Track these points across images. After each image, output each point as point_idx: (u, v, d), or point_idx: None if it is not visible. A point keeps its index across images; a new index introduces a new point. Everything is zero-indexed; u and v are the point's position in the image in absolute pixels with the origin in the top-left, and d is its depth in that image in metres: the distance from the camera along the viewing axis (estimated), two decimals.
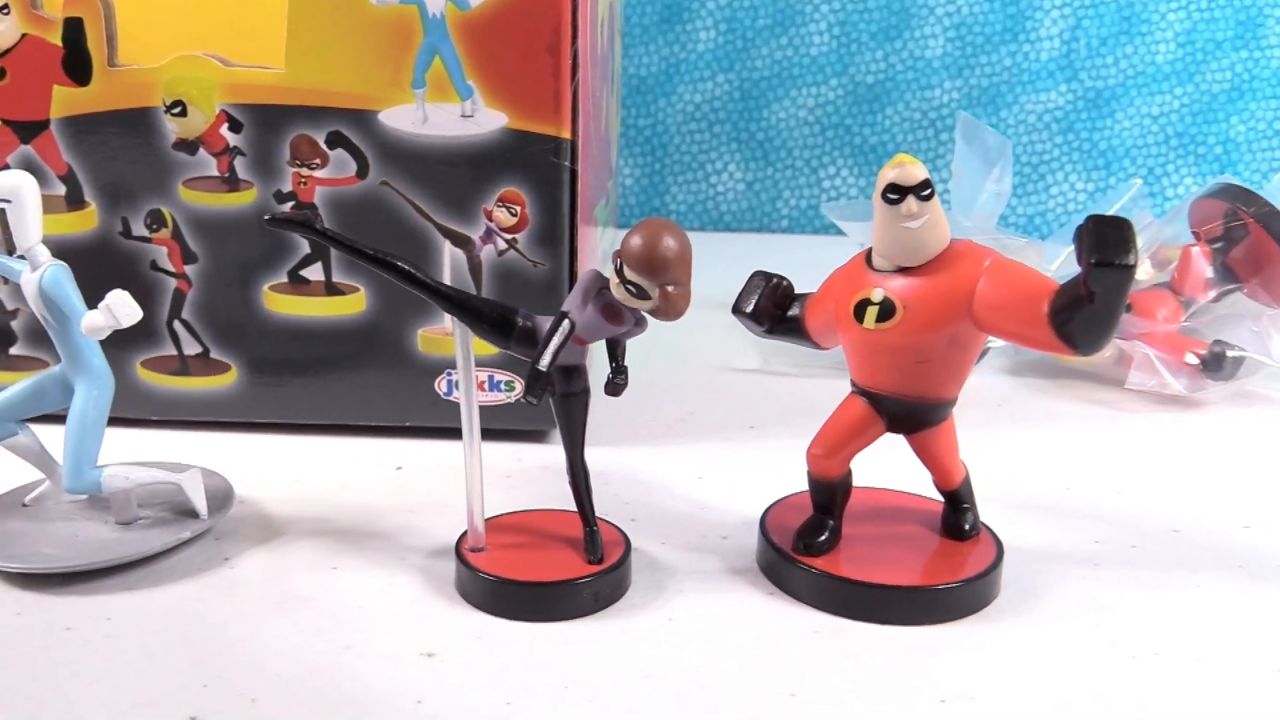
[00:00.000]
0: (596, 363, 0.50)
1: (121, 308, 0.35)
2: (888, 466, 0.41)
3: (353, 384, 0.49)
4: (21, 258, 0.38)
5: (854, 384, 0.38)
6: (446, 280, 0.48)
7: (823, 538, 0.38)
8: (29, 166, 0.48)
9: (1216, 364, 0.56)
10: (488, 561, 0.36)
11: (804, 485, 0.40)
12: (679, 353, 0.64)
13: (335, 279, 0.48)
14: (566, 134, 0.46)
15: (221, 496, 0.41)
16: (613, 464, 0.48)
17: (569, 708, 0.31)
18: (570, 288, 0.48)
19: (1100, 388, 0.60)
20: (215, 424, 0.51)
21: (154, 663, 0.33)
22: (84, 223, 0.48)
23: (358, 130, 0.46)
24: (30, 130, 0.47)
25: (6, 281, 0.49)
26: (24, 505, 0.41)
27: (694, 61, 0.99)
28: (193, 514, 0.40)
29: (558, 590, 0.35)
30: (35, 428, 0.41)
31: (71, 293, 0.37)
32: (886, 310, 0.35)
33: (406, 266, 0.35)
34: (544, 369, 0.32)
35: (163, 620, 0.35)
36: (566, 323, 0.33)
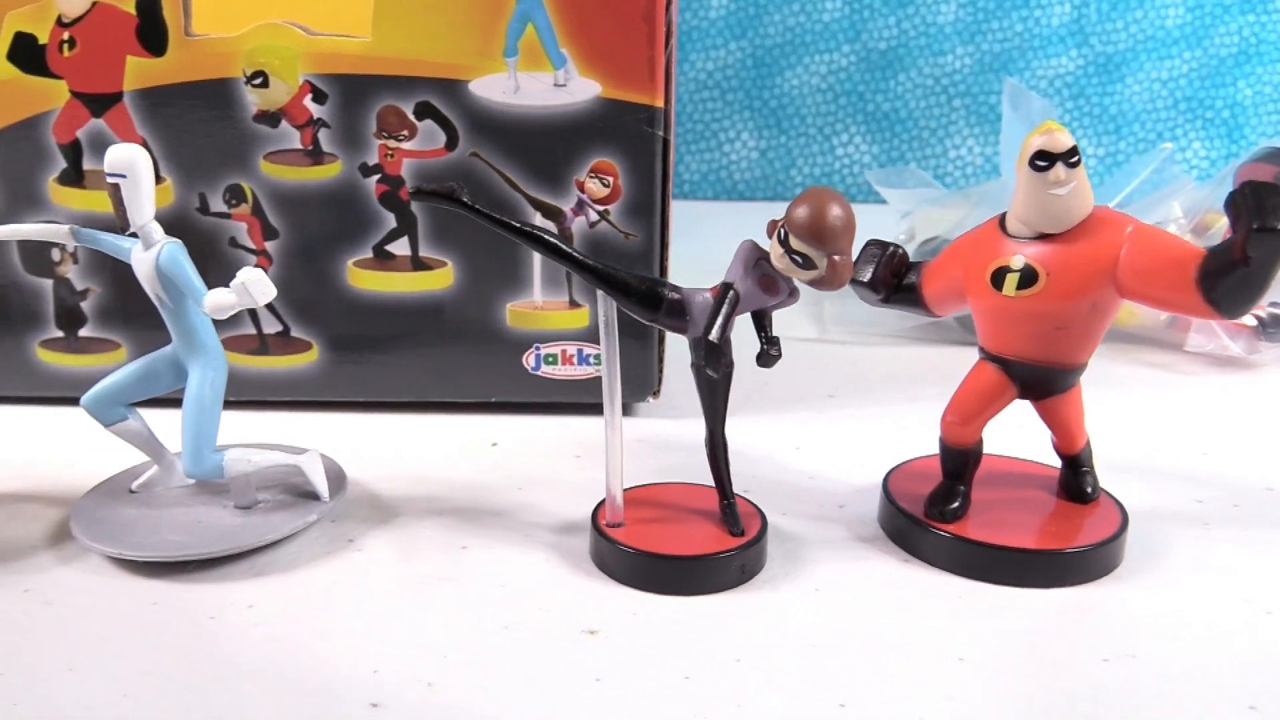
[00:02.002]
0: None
1: (257, 285, 0.34)
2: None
3: (438, 360, 0.49)
4: (133, 235, 0.36)
5: (984, 351, 0.38)
6: (535, 255, 0.47)
7: (956, 504, 0.38)
8: (101, 141, 0.46)
9: (1276, 325, 0.57)
10: (630, 536, 0.36)
11: (909, 451, 0.40)
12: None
13: (422, 254, 0.47)
14: (660, 102, 0.45)
15: (335, 478, 0.40)
16: (687, 433, 0.48)
17: (745, 680, 0.31)
18: (661, 259, 0.47)
19: (1155, 351, 0.61)
20: (293, 403, 0.50)
21: (313, 649, 0.32)
22: (160, 199, 0.46)
23: (447, 100, 0.45)
24: (102, 103, 0.46)
25: (76, 260, 0.48)
26: (131, 491, 0.39)
27: (705, 29, 0.98)
28: (310, 496, 0.39)
29: (707, 564, 0.35)
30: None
31: (190, 270, 0.36)
32: (1028, 277, 0.35)
33: (553, 240, 0.34)
34: (716, 340, 0.32)
35: (306, 605, 0.34)
36: (733, 293, 0.32)
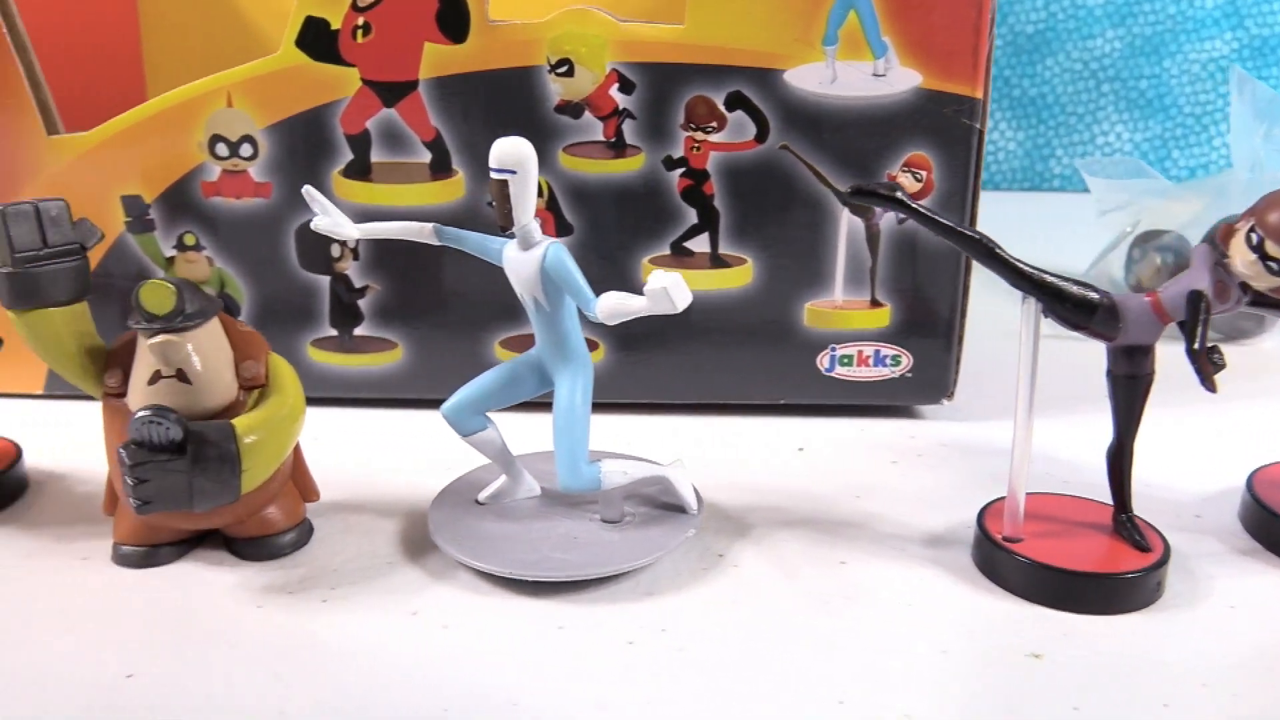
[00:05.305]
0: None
1: (678, 289, 0.32)
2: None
3: (728, 360, 0.47)
4: (511, 235, 0.34)
5: None
6: (841, 250, 0.45)
7: None
8: (391, 132, 0.44)
9: None
10: (1036, 552, 0.34)
11: (1220, 453, 0.42)
12: None
13: (721, 250, 0.45)
14: (979, 93, 0.43)
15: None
16: (986, 438, 0.46)
17: (1227, 707, 0.29)
18: (967, 258, 0.45)
19: None
20: None
21: (755, 676, 0.30)
22: (449, 192, 0.44)
23: (760, 91, 0.43)
24: (395, 92, 0.43)
25: (357, 256, 0.45)
26: (478, 503, 0.38)
27: None
28: (670, 507, 0.37)
29: (1129, 581, 0.33)
30: None
31: (577, 273, 0.34)
32: None
33: (989, 243, 0.33)
34: (1200, 350, 0.30)
35: (722, 628, 0.32)
36: (1205, 301, 0.31)
